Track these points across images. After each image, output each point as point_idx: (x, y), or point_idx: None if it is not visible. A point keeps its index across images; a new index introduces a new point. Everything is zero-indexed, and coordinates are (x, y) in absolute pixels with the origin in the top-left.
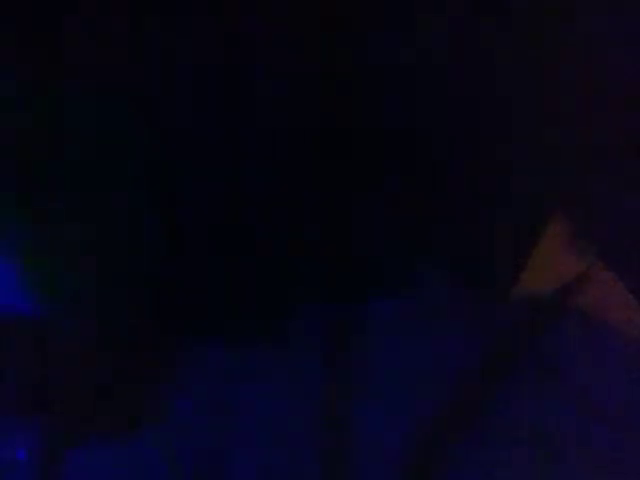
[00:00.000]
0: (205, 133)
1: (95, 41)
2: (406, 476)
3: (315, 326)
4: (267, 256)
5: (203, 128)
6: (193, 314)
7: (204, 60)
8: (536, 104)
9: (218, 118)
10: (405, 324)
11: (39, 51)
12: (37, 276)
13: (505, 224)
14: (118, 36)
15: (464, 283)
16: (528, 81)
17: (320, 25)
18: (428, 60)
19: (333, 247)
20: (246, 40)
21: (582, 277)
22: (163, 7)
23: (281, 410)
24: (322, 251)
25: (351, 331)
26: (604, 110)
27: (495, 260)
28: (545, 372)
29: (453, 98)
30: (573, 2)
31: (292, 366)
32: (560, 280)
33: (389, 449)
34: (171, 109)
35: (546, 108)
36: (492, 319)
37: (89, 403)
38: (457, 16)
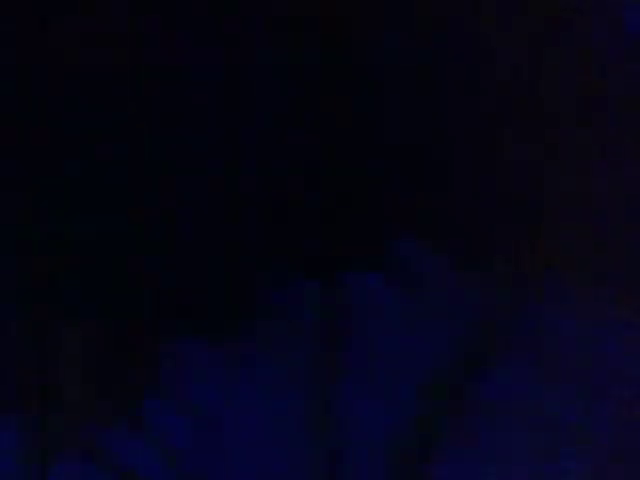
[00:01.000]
0: (205, 134)
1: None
2: (402, 463)
3: (311, 325)
4: (265, 255)
5: (203, 129)
6: (190, 314)
7: (204, 59)
8: (536, 104)
9: (218, 119)
10: (395, 310)
11: None
12: None
13: (506, 222)
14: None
15: (461, 266)
16: (529, 82)
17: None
18: (431, 60)
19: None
20: (246, 40)
21: (581, 273)
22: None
23: (280, 410)
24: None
25: (347, 331)
26: (604, 110)
27: (494, 250)
28: (545, 356)
29: (453, 98)
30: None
31: (291, 366)
32: (559, 274)
33: (386, 444)
34: (171, 111)
35: (546, 108)
36: (484, 303)
37: (89, 403)
38: (457, 16)
